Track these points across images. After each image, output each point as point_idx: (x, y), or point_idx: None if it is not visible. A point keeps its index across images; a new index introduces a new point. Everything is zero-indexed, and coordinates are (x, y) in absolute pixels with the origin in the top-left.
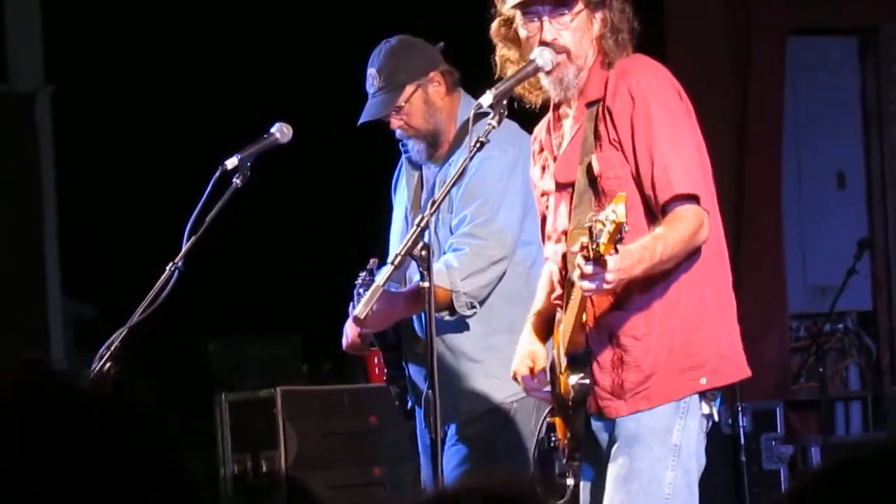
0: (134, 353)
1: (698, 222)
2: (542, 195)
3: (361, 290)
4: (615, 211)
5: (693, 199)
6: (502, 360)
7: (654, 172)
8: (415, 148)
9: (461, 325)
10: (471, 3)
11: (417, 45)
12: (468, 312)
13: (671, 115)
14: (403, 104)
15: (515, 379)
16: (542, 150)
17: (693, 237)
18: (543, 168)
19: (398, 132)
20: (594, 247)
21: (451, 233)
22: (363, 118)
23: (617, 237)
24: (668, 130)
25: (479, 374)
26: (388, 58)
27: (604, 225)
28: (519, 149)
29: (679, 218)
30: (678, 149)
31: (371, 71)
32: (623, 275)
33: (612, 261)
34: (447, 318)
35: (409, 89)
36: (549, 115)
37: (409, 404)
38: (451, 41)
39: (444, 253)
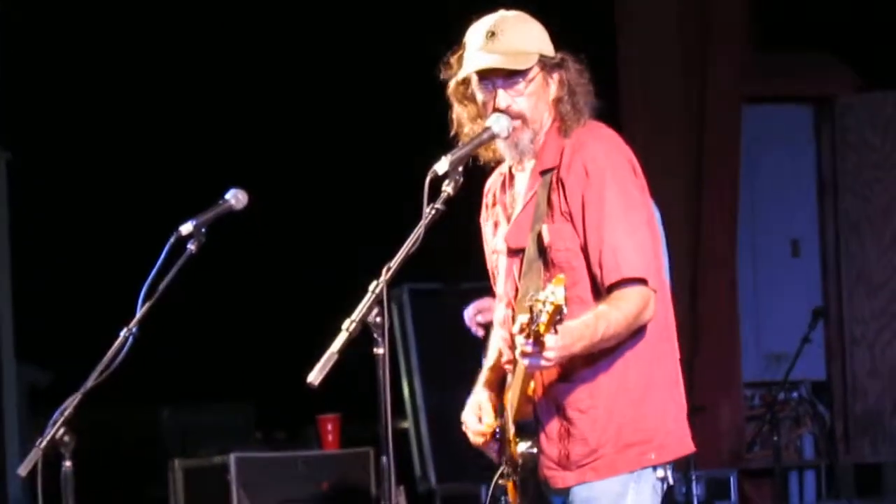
0: (87, 418)
1: (643, 303)
2: (493, 252)
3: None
4: (554, 293)
5: (641, 281)
6: None
7: (603, 252)
8: None
9: None
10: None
11: None
12: None
13: (625, 193)
14: None
15: (465, 428)
16: (494, 204)
17: (636, 317)
18: (496, 224)
19: None
20: (534, 327)
21: None
22: None
23: (556, 318)
24: (621, 210)
25: None
26: None
27: (543, 305)
28: None
29: (624, 297)
30: (630, 230)
31: None
32: (563, 352)
33: (550, 341)
34: None
35: None
36: (505, 170)
37: None
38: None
39: None
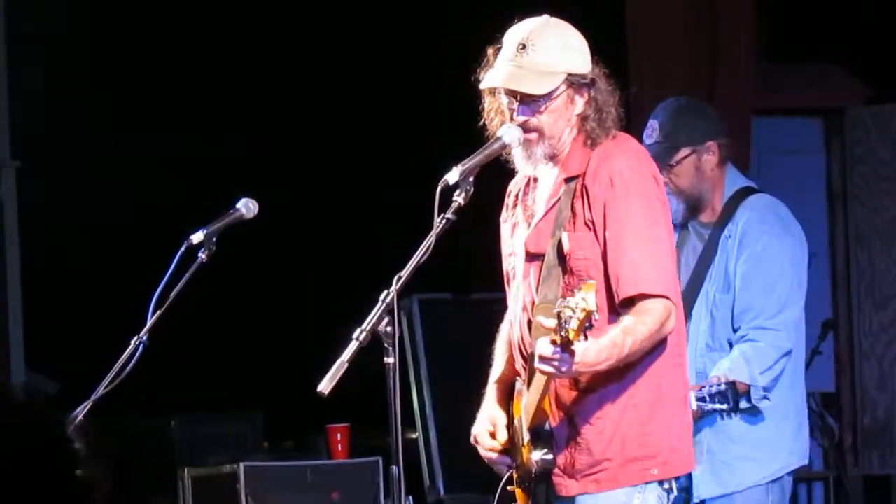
0: (97, 427)
1: (665, 314)
2: (510, 254)
3: None
4: (585, 299)
5: (659, 296)
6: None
7: (622, 265)
8: (673, 206)
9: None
10: None
11: (704, 111)
12: (762, 404)
13: (649, 208)
14: (674, 164)
15: (476, 442)
16: (515, 205)
17: (660, 330)
18: (514, 225)
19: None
20: (563, 333)
21: (731, 313)
22: None
23: (586, 325)
24: (644, 225)
25: (739, 455)
26: (673, 115)
27: (573, 312)
28: (794, 236)
29: (647, 310)
30: (651, 245)
31: (653, 122)
32: (584, 369)
33: (579, 348)
34: (743, 405)
35: (684, 151)
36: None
37: None
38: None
39: (714, 328)
